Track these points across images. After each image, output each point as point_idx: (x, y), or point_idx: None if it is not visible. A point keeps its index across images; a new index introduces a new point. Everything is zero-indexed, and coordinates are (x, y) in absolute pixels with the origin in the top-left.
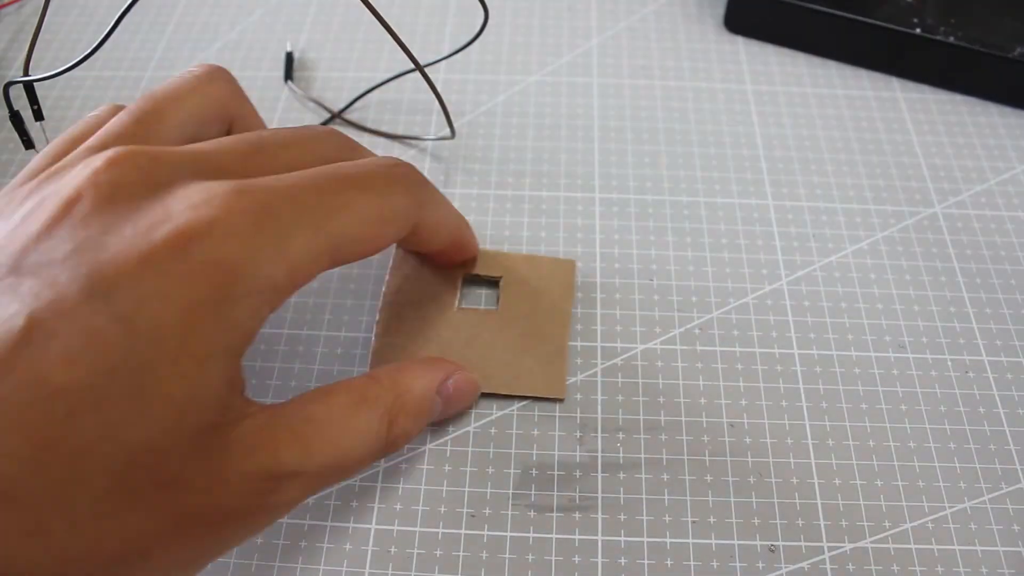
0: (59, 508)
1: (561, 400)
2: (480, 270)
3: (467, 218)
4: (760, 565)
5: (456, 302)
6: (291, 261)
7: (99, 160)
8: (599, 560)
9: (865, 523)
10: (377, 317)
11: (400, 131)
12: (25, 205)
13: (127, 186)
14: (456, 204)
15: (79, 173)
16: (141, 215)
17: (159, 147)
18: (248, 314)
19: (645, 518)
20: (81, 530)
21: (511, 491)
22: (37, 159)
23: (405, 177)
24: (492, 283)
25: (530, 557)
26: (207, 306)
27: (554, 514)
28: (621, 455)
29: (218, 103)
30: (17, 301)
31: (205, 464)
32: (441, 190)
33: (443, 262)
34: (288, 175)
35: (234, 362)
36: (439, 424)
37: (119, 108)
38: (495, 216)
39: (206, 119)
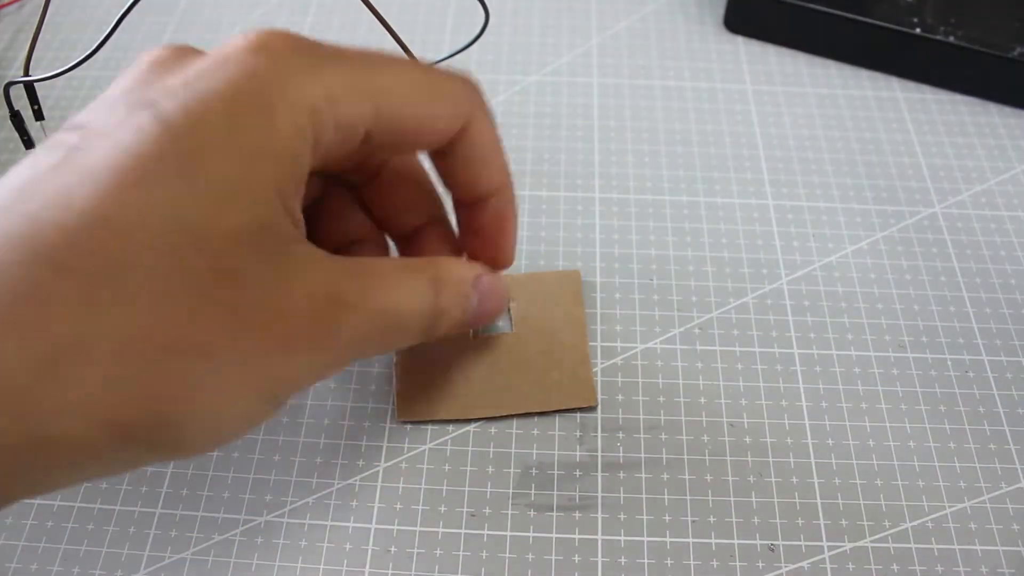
0: (111, 281)
1: (594, 407)
2: None
3: None
4: (760, 564)
5: (470, 331)
6: (331, 88)
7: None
8: (599, 559)
9: (865, 522)
10: (394, 359)
11: None
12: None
13: (192, 51)
14: None
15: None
16: (202, 55)
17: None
18: (291, 127)
19: (645, 517)
20: (134, 307)
21: (511, 490)
22: None
23: (463, 75)
24: None
25: (530, 556)
26: (248, 109)
27: (554, 513)
28: (621, 454)
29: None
30: (77, 129)
31: (262, 262)
32: (441, 190)
33: (478, 240)
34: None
35: (284, 175)
36: (416, 439)
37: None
38: None
39: None
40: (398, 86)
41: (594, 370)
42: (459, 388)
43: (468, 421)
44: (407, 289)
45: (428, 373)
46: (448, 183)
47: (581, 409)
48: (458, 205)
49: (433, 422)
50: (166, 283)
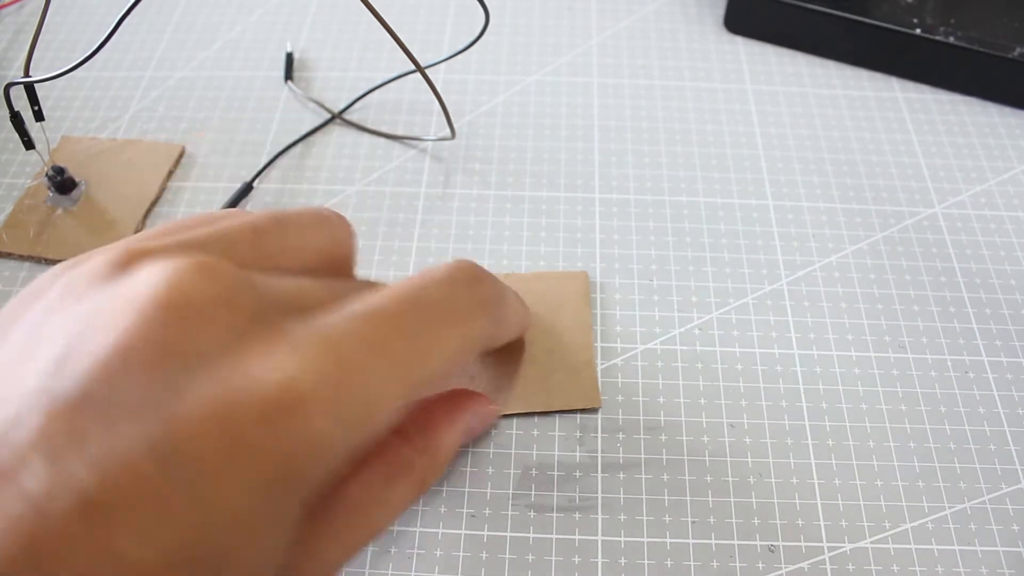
0: None
1: (598, 408)
2: None
3: (467, 219)
4: (760, 565)
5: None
6: (376, 422)
7: (185, 261)
8: (599, 560)
9: (865, 523)
10: None
11: (400, 132)
12: (86, 302)
13: (209, 309)
14: (456, 204)
15: (160, 270)
16: (223, 362)
17: (257, 273)
18: (326, 478)
19: (645, 518)
20: None
21: (511, 491)
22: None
23: (486, 297)
24: None
25: (530, 557)
26: (288, 482)
27: (554, 514)
28: (621, 455)
29: (338, 247)
30: (83, 457)
31: None
32: (441, 191)
33: None
34: (369, 306)
35: (303, 522)
36: None
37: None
38: (495, 216)
39: (322, 258)
40: (437, 369)
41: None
42: (462, 386)
43: None
44: (392, 508)
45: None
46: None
47: (583, 410)
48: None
49: None
50: None
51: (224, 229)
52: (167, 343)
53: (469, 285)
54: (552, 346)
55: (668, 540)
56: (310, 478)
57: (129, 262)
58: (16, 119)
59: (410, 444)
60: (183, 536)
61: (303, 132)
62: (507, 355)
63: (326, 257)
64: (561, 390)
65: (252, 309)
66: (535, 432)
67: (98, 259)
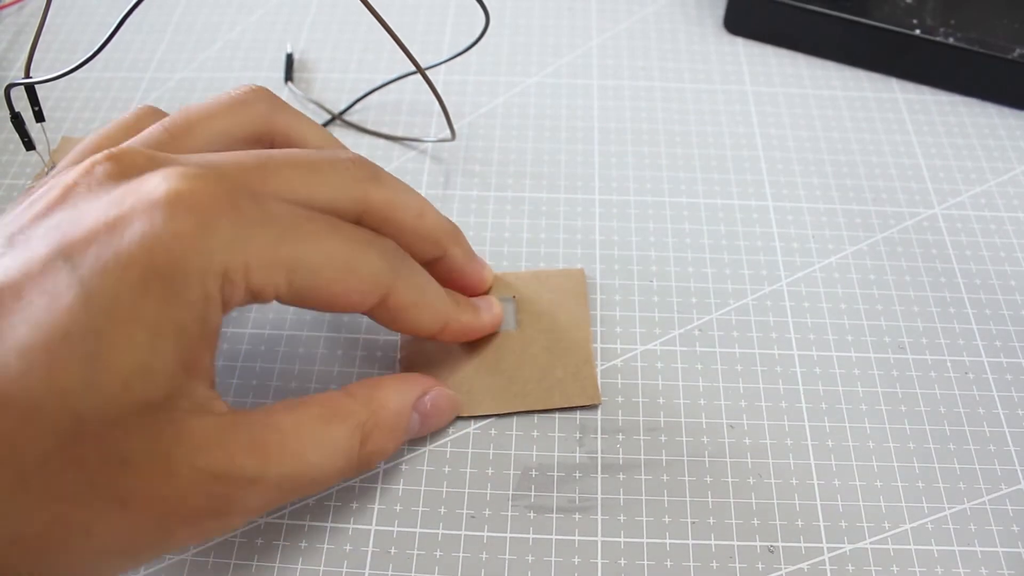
0: (8, 461)
1: (598, 405)
2: (492, 293)
3: (467, 220)
4: (760, 566)
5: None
6: (248, 256)
7: (100, 155)
8: (599, 561)
9: (864, 524)
10: (397, 356)
11: (400, 133)
12: (35, 193)
13: (118, 174)
14: (456, 206)
15: (80, 165)
16: (120, 189)
17: (162, 152)
18: (201, 296)
19: (645, 519)
20: (27, 486)
21: (511, 492)
22: (72, 154)
23: (385, 244)
24: (506, 303)
25: (530, 558)
26: (161, 277)
27: (554, 515)
28: (621, 456)
29: (253, 122)
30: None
31: (152, 446)
32: (441, 192)
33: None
34: (274, 198)
35: (190, 344)
36: (415, 441)
37: (155, 111)
38: (495, 218)
39: (239, 137)
40: (313, 259)
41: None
42: (461, 385)
43: (469, 421)
44: (325, 447)
45: (430, 369)
46: (382, 323)
47: (582, 408)
48: None
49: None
50: (59, 466)
51: (141, 136)
52: (79, 197)
53: (372, 233)
54: (550, 344)
55: (668, 541)
56: (183, 282)
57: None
58: (16, 120)
59: (351, 397)
60: (61, 316)
61: None
62: (473, 355)
63: (249, 136)
64: (560, 388)
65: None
66: (535, 433)
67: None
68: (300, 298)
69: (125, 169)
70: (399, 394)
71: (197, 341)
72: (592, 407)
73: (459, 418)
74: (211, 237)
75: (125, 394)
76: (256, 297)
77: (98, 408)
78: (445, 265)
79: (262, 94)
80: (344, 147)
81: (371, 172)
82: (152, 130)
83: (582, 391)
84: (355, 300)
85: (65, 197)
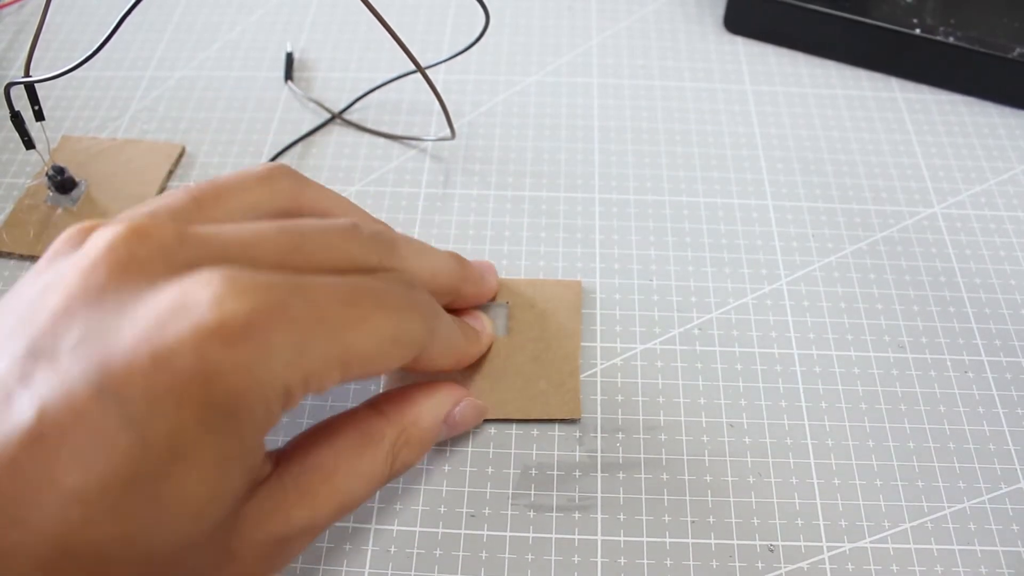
0: None
1: (577, 420)
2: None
3: (467, 218)
4: (759, 565)
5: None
6: (306, 369)
7: (121, 226)
8: (599, 560)
9: (864, 523)
10: None
11: (400, 132)
12: (47, 274)
13: (146, 259)
14: (456, 204)
15: (100, 238)
16: (157, 297)
17: (191, 225)
18: (263, 418)
19: (644, 518)
20: None
21: (511, 491)
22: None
23: (422, 303)
24: (499, 308)
25: (529, 557)
26: (222, 412)
27: (553, 514)
28: (620, 455)
29: (281, 196)
30: (28, 393)
31: (218, 547)
32: (441, 190)
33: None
34: (315, 279)
35: (254, 461)
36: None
37: (288, 172)
38: (495, 216)
39: (267, 211)
40: (366, 343)
41: (593, 371)
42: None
43: None
44: (363, 477)
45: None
46: (405, 369)
47: (563, 421)
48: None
49: None
50: None
51: (166, 201)
52: (104, 291)
53: (408, 286)
54: (537, 354)
55: (667, 540)
56: (248, 412)
57: (81, 236)
58: (16, 119)
59: (383, 416)
60: (119, 462)
61: (303, 132)
62: (480, 370)
63: (276, 211)
64: (542, 400)
65: (190, 256)
66: (535, 432)
67: (59, 238)
68: (348, 380)
69: (152, 253)
70: (430, 411)
71: (259, 451)
72: (591, 405)
73: None
74: (270, 360)
75: (195, 524)
76: (311, 394)
77: (168, 542)
78: (455, 303)
79: (287, 171)
80: (369, 216)
81: (390, 242)
82: (178, 196)
83: (563, 405)
84: (395, 364)
85: (87, 287)
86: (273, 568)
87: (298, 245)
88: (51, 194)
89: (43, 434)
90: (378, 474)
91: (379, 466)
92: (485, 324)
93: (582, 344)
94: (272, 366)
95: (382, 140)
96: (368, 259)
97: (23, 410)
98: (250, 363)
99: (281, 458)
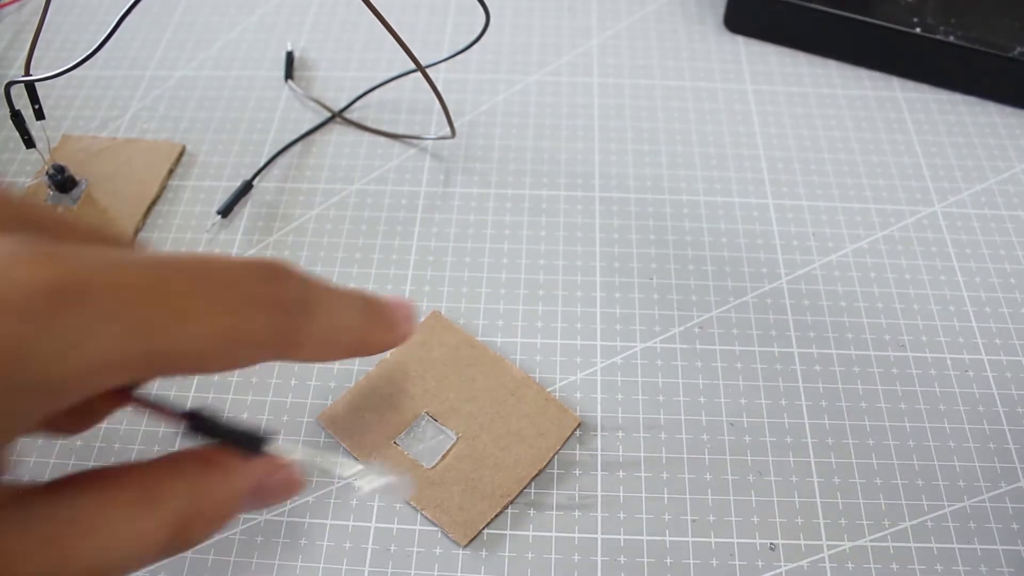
0: None
1: (462, 546)
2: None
3: (467, 217)
4: (759, 563)
5: (399, 434)
6: (88, 362)
7: None
8: (599, 558)
9: (864, 521)
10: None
11: (400, 131)
12: None
13: None
14: (456, 203)
15: None
16: None
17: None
18: (12, 411)
19: (644, 516)
20: None
21: None
22: None
23: (281, 298)
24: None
25: (529, 555)
26: None
27: (554, 512)
28: (621, 453)
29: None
30: None
31: None
32: (441, 189)
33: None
34: (124, 254)
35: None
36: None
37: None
38: (495, 215)
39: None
40: (185, 343)
41: (593, 369)
42: (383, 436)
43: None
44: (131, 542)
45: (374, 403)
46: (287, 360)
47: (581, 407)
48: None
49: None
50: None
51: None
52: None
53: (264, 279)
54: (489, 460)
55: (668, 538)
56: None
57: None
58: (17, 118)
59: (175, 476)
60: None
61: (303, 131)
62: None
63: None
64: (447, 506)
65: None
66: None
67: None
68: (178, 374)
69: None
70: (234, 481)
71: None
72: (591, 404)
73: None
74: (38, 348)
75: None
76: (104, 389)
77: None
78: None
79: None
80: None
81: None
82: None
83: (559, 425)
84: (247, 363)
85: None
86: None
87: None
88: (51, 193)
89: None
90: (153, 543)
91: (158, 535)
92: (408, 311)
93: (583, 341)
94: (40, 352)
95: (382, 139)
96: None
97: None
98: (10, 343)
99: (33, 495)
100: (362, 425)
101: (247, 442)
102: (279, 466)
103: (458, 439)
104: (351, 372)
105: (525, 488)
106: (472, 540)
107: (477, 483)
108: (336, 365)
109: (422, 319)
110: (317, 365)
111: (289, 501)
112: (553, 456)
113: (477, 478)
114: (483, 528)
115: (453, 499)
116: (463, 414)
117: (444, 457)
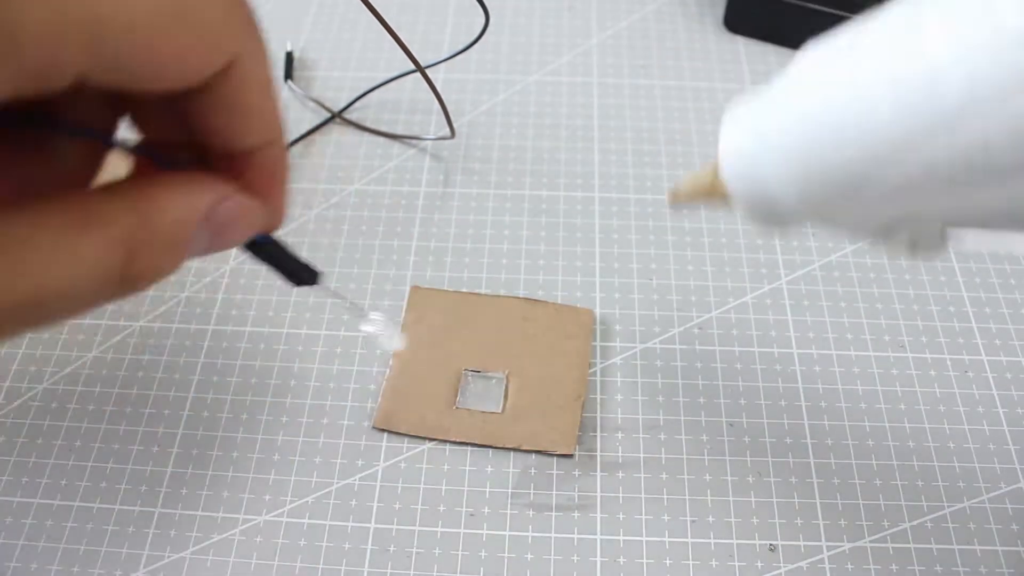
0: None
1: (571, 455)
2: (489, 330)
3: (467, 217)
4: (759, 564)
5: (455, 399)
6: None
7: None
8: (598, 559)
9: (864, 522)
10: (389, 363)
11: (400, 131)
12: None
13: None
14: (455, 203)
15: None
16: None
17: None
18: None
19: (644, 517)
20: None
21: (510, 490)
22: None
23: None
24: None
25: (529, 556)
26: None
27: (553, 513)
28: (620, 454)
29: None
30: None
31: None
32: (441, 189)
33: (253, 188)
34: None
35: None
36: (414, 439)
37: None
38: (495, 215)
39: None
40: (128, 13)
41: (593, 369)
42: (443, 408)
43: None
44: (74, 265)
45: (416, 386)
46: (200, 129)
47: (583, 407)
48: (213, 154)
49: (410, 437)
50: None
51: None
52: None
53: None
54: (544, 378)
55: (667, 539)
56: None
57: None
58: None
59: (115, 197)
60: None
61: (303, 131)
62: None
63: None
64: (543, 432)
65: None
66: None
67: None
68: (111, 70)
69: None
70: (181, 200)
71: None
72: (591, 404)
73: (432, 438)
74: None
75: None
76: (34, 81)
77: None
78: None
79: None
80: None
81: (253, 29)
82: None
83: (560, 441)
84: (191, 65)
85: None
86: None
87: None
88: None
89: None
90: (100, 268)
91: (102, 257)
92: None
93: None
94: None
95: (382, 139)
96: None
97: None
98: None
99: None
100: (416, 410)
101: (303, 272)
102: (231, 193)
103: (507, 376)
104: (371, 374)
105: (586, 393)
106: (577, 446)
107: (547, 402)
108: (354, 366)
109: (404, 300)
110: (355, 368)
111: (288, 501)
112: (594, 349)
113: (545, 398)
114: (578, 432)
115: (538, 425)
116: (496, 355)
117: (507, 397)
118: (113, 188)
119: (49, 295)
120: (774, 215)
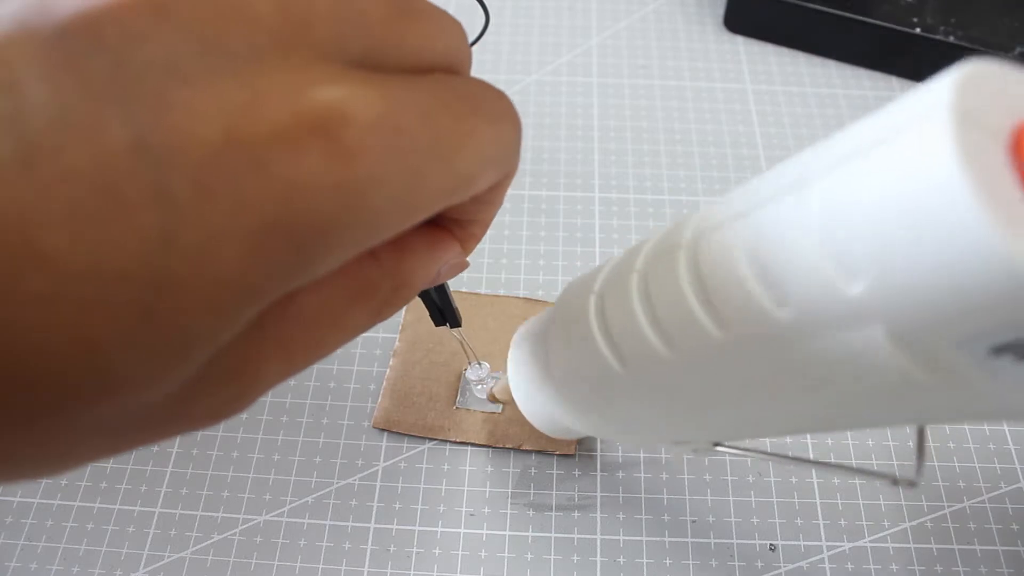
0: None
1: (571, 455)
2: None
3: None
4: (759, 564)
5: (455, 399)
6: (418, 206)
7: None
8: (598, 559)
9: (864, 522)
10: (390, 362)
11: None
12: None
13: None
14: None
15: None
16: (260, 68)
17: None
18: (326, 263)
19: (644, 517)
20: None
21: (510, 490)
22: None
23: (512, 109)
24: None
25: (529, 556)
26: (285, 239)
27: (553, 513)
28: (620, 454)
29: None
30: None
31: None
32: None
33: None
34: (421, 80)
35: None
36: (413, 439)
37: None
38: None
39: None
40: (472, 165)
41: None
42: (443, 408)
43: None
44: (344, 332)
45: (415, 387)
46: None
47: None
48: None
49: (409, 437)
50: None
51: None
52: (203, 27)
53: (497, 92)
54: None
55: (667, 539)
56: (313, 249)
57: None
58: None
59: (380, 266)
60: (133, 249)
61: None
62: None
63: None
64: (538, 431)
65: (320, 45)
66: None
67: None
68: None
69: None
70: (425, 268)
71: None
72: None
73: (433, 438)
74: (381, 188)
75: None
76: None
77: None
78: None
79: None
80: None
81: (464, 39)
82: None
83: (559, 442)
84: (478, 191)
85: None
86: (218, 418)
87: (405, 13)
88: None
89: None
90: (360, 329)
91: (364, 321)
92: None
93: None
94: (379, 196)
95: None
96: (456, 52)
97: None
98: (359, 187)
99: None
100: (416, 410)
101: (452, 316)
102: (460, 255)
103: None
104: (371, 374)
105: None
106: (577, 446)
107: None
108: (354, 366)
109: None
110: (354, 367)
111: (288, 501)
112: None
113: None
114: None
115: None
116: (496, 354)
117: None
118: (376, 255)
119: (322, 355)
120: (571, 432)
